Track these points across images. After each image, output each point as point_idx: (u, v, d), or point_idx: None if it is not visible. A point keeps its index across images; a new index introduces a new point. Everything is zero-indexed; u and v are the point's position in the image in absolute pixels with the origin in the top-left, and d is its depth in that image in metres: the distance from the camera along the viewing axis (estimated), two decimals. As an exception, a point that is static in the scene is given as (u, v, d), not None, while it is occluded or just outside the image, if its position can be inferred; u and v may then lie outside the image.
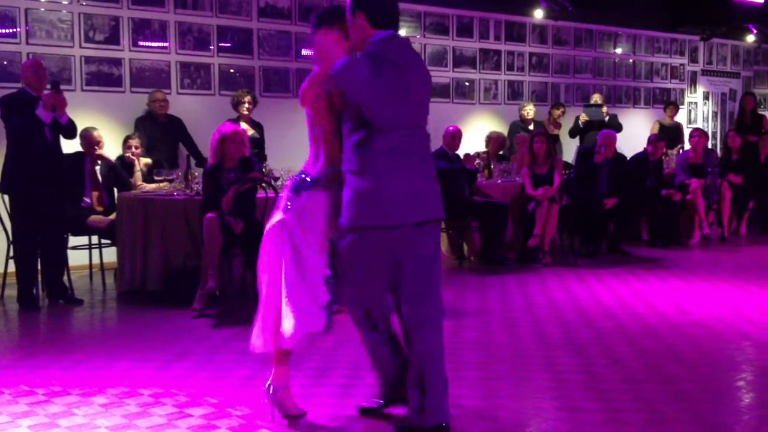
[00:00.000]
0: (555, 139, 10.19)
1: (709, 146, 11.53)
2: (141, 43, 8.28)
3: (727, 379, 4.27)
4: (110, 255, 6.97)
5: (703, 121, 14.32)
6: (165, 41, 8.43)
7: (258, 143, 8.19)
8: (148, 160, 7.58)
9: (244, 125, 7.83)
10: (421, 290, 3.38)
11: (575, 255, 8.32)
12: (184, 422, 3.59)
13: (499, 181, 8.44)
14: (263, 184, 6.11)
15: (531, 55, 11.62)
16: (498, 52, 11.26)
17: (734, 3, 12.33)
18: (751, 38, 14.20)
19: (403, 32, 10.25)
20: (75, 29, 7.88)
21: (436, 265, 3.44)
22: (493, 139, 9.31)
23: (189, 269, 6.13)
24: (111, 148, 7.45)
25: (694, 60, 14.04)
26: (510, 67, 11.40)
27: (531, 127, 10.05)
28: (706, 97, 14.39)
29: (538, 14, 11.26)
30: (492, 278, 7.14)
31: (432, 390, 3.34)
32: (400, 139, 3.31)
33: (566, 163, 9.32)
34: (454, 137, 7.88)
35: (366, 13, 3.33)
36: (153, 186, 7.07)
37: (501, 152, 9.48)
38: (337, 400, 3.87)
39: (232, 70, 8.91)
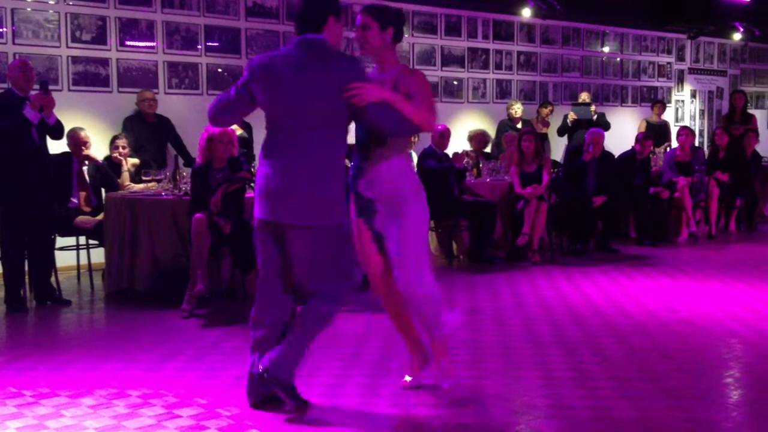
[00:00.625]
0: (543, 138, 10.22)
1: (697, 144, 11.58)
2: (128, 43, 8.24)
3: (715, 377, 4.30)
4: (98, 256, 6.93)
5: (691, 119, 14.38)
6: (152, 41, 8.40)
7: (247, 143, 8.17)
8: (136, 161, 7.55)
9: (232, 125, 7.79)
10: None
11: (564, 253, 8.34)
12: (173, 423, 3.57)
13: (488, 180, 8.45)
14: (252, 184, 6.09)
15: (519, 53, 11.64)
16: (486, 51, 11.27)
17: (721, 1, 12.40)
18: (737, 36, 14.27)
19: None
20: (62, 29, 7.84)
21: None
22: (474, 138, 9.31)
23: (177, 269, 6.11)
24: (98, 149, 7.42)
25: (681, 58, 14.10)
26: (498, 66, 11.42)
27: (519, 125, 10.07)
28: (693, 95, 14.46)
29: (526, 13, 11.28)
30: (481, 277, 7.15)
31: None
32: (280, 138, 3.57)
33: (555, 162, 9.35)
34: (443, 136, 7.89)
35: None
36: (141, 186, 7.04)
37: (487, 150, 9.49)
38: (327, 400, 3.86)
39: (220, 70, 8.89)
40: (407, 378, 4.01)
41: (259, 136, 8.40)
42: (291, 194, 3.51)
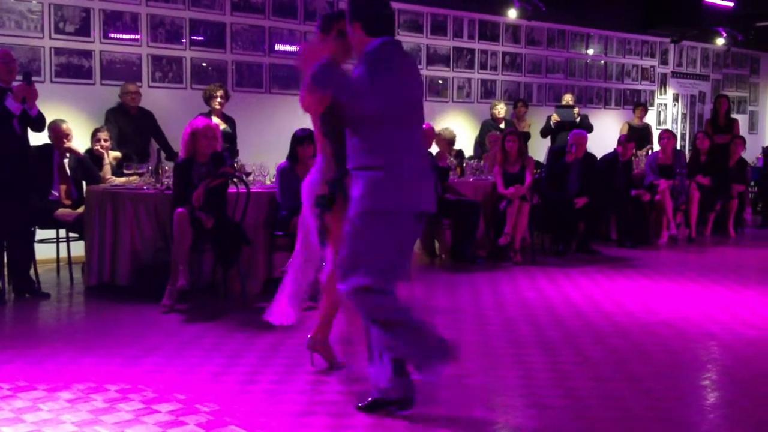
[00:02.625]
0: (527, 137, 10.26)
1: (678, 148, 11.67)
2: (112, 35, 8.19)
3: (693, 379, 4.33)
4: (78, 249, 6.88)
5: (673, 122, 14.49)
6: (136, 33, 8.34)
7: (230, 138, 8.14)
8: (118, 154, 7.50)
9: (216, 120, 7.77)
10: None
11: (545, 254, 8.37)
12: (152, 418, 3.56)
13: (471, 180, 8.47)
14: (235, 180, 6.07)
15: (504, 54, 11.68)
16: (471, 51, 11.29)
17: (704, 6, 12.49)
18: (720, 41, 14.39)
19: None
20: (45, 20, 7.77)
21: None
22: (440, 139, 9.20)
23: (158, 264, 6.08)
24: (80, 141, 7.36)
25: (664, 62, 14.20)
26: (483, 66, 11.44)
27: (502, 125, 10.09)
28: (675, 98, 14.56)
29: (512, 14, 11.31)
30: (463, 276, 7.16)
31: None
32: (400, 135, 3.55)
33: (537, 163, 9.38)
34: (427, 135, 7.89)
35: (363, 23, 3.55)
36: (122, 180, 7.00)
37: (456, 147, 9.40)
38: (307, 396, 3.86)
39: (204, 64, 8.85)
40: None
41: (243, 131, 8.43)
42: (428, 184, 3.65)
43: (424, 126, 3.89)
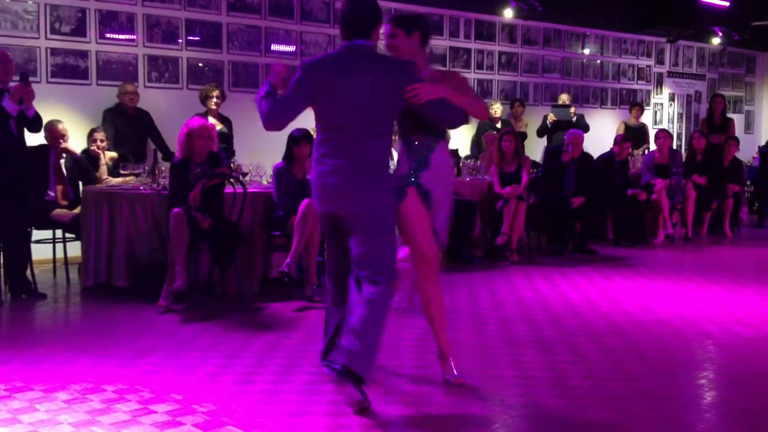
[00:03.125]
0: (524, 137, 10.27)
1: (674, 147, 11.69)
2: (108, 36, 8.18)
3: (690, 378, 4.34)
4: (74, 249, 6.87)
5: (669, 122, 14.50)
6: (132, 34, 8.34)
7: (226, 138, 8.14)
8: (114, 154, 7.49)
9: (212, 120, 7.77)
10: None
11: (542, 253, 8.38)
12: (149, 418, 3.56)
13: (468, 179, 8.47)
14: (231, 180, 6.06)
15: (500, 54, 11.68)
16: (468, 51, 11.30)
17: (700, 6, 12.50)
18: (716, 41, 14.40)
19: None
20: (41, 20, 7.76)
21: None
22: None
23: (155, 264, 6.07)
24: (76, 141, 7.35)
25: (660, 62, 14.21)
26: (480, 66, 11.45)
27: (498, 125, 10.10)
28: (671, 98, 14.57)
29: (508, 14, 11.32)
30: (459, 276, 7.17)
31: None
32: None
33: (534, 162, 9.39)
34: None
35: (339, 28, 3.81)
36: (119, 180, 7.00)
37: (454, 148, 9.45)
38: (304, 396, 3.86)
39: (200, 64, 8.84)
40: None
41: (239, 131, 8.43)
42: (347, 189, 3.71)
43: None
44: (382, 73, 3.72)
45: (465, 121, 3.95)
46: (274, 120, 3.73)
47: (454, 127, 3.96)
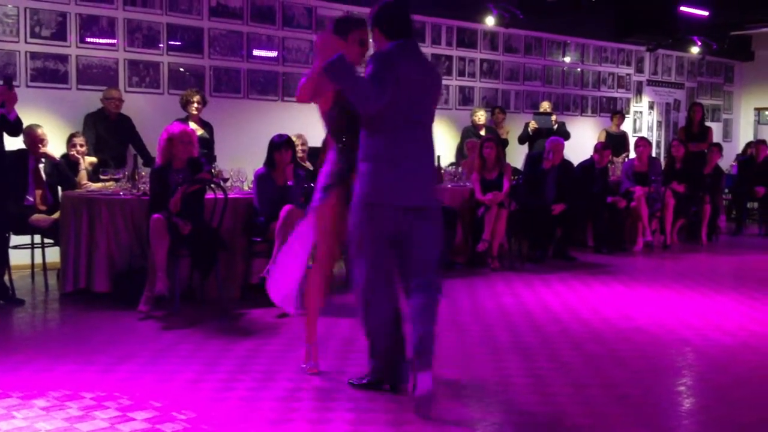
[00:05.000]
0: (505, 144, 10.32)
1: (654, 155, 11.78)
2: (88, 40, 8.14)
3: (669, 384, 4.37)
4: (53, 255, 6.82)
5: (648, 130, 14.62)
6: (113, 38, 8.30)
7: (207, 143, 8.10)
8: (94, 159, 7.44)
9: (193, 125, 7.74)
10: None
11: (523, 260, 8.41)
12: (127, 426, 3.53)
13: (449, 186, 8.49)
14: (212, 185, 6.04)
15: (482, 61, 11.73)
16: (450, 58, 11.34)
17: (680, 15, 12.62)
18: (695, 50, 14.55)
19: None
20: (21, 24, 7.71)
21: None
22: None
23: (135, 270, 6.04)
24: (56, 146, 7.30)
25: (640, 70, 14.33)
26: (461, 73, 11.49)
27: (482, 132, 10.14)
28: (651, 106, 14.70)
29: (490, 21, 11.37)
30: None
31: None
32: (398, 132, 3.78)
33: (515, 169, 9.43)
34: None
35: (380, 28, 3.84)
36: (98, 185, 6.95)
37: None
38: (284, 404, 3.84)
39: (181, 69, 8.81)
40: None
41: (220, 136, 8.40)
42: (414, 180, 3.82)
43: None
44: (435, 72, 4.01)
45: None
46: (379, 99, 3.62)
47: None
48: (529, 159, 9.11)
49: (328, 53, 3.65)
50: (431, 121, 3.94)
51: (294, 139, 6.92)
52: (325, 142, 4.35)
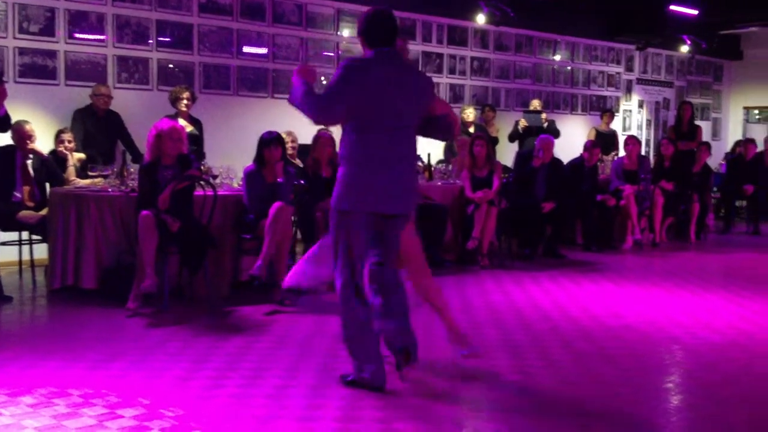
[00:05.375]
0: (495, 142, 10.32)
1: (643, 153, 11.81)
2: (77, 36, 8.09)
3: (658, 382, 4.38)
4: (41, 251, 6.78)
5: (638, 128, 14.66)
6: (102, 34, 8.25)
7: (197, 140, 8.07)
8: (82, 155, 7.40)
9: (182, 122, 7.71)
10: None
11: (513, 258, 8.42)
12: (115, 423, 3.51)
13: (439, 183, 8.49)
14: (201, 182, 6.02)
15: (473, 59, 11.73)
16: (440, 56, 11.33)
17: (669, 14, 12.66)
18: (685, 49, 14.59)
19: (346, 32, 10.24)
20: (9, 19, 7.65)
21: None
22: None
23: (123, 267, 6.01)
24: (44, 142, 7.25)
25: (629, 69, 14.37)
26: (452, 71, 11.48)
27: (471, 130, 10.14)
28: (640, 105, 14.74)
29: (480, 19, 11.37)
30: (430, 280, 7.15)
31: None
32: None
33: (505, 167, 9.44)
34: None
35: (363, 37, 4.02)
36: (86, 181, 6.91)
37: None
38: (273, 401, 3.83)
39: (171, 66, 8.77)
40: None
41: (210, 133, 8.37)
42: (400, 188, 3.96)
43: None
44: (416, 79, 4.05)
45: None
46: (326, 113, 3.91)
47: (445, 138, 4.33)
48: (519, 157, 9.12)
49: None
50: (411, 126, 4.02)
51: (284, 136, 6.90)
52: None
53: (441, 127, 4.20)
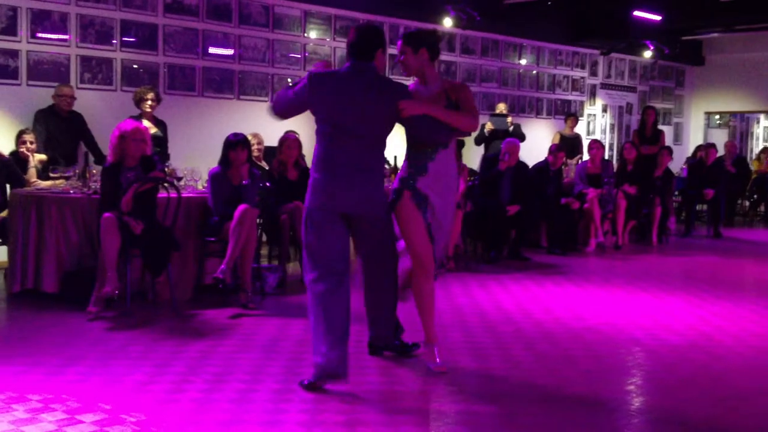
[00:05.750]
0: (462, 145, 10.34)
1: (606, 157, 11.94)
2: (40, 35, 7.98)
3: (619, 384, 4.43)
4: (1, 254, 6.67)
5: (602, 132, 14.82)
6: (65, 34, 8.15)
7: (161, 142, 8.00)
8: (43, 156, 7.30)
9: (146, 123, 7.64)
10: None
11: (478, 260, 8.46)
12: (75, 429, 3.47)
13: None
14: (165, 184, 5.97)
15: (439, 62, 11.76)
16: (406, 59, 11.33)
17: (633, 20, 12.82)
18: (648, 54, 14.79)
19: (313, 34, 10.22)
20: (-32, 17, 7.53)
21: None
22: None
23: (85, 270, 5.94)
24: (4, 143, 7.16)
25: (594, 73, 14.52)
26: (418, 74, 11.49)
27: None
28: (604, 109, 14.90)
29: (447, 23, 11.42)
30: (396, 283, 7.16)
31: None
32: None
33: (471, 170, 9.48)
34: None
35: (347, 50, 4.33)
36: (48, 183, 6.82)
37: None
38: (236, 405, 3.81)
39: (135, 66, 8.69)
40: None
41: (174, 134, 8.31)
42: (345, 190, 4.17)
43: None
44: (379, 93, 4.18)
45: (450, 136, 4.36)
46: (278, 111, 4.32)
47: (437, 141, 4.34)
48: (485, 160, 9.17)
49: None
50: (372, 135, 4.23)
51: (250, 138, 6.87)
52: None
53: (423, 130, 4.32)
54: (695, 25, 14.02)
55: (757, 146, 17.22)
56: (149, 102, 7.94)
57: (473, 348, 4.97)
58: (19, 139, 7.16)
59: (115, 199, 5.70)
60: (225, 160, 6.25)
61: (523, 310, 6.11)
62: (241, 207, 5.91)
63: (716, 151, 11.89)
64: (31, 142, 7.14)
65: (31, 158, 7.08)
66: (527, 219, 8.76)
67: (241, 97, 9.52)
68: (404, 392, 4.09)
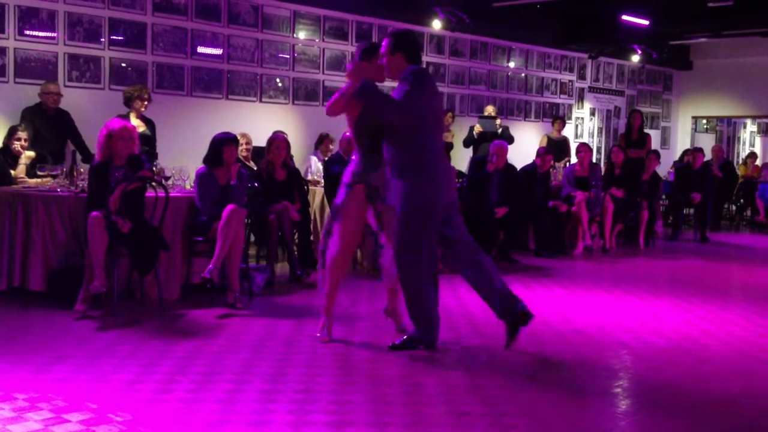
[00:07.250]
0: (450, 147, 10.39)
1: (594, 161, 12.00)
2: (27, 32, 7.94)
3: (606, 386, 4.44)
4: (-14, 252, 6.62)
5: (589, 136, 14.88)
6: (53, 31, 8.11)
7: (149, 141, 7.98)
8: (32, 154, 7.26)
9: (134, 121, 7.62)
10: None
11: (465, 262, 8.45)
12: (62, 428, 3.45)
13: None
14: (153, 183, 5.95)
15: (428, 64, 11.79)
16: (396, 60, 11.34)
17: (621, 24, 12.89)
18: (636, 58, 14.87)
19: (302, 35, 10.23)
20: (-45, 13, 7.49)
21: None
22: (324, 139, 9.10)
23: (72, 268, 5.91)
24: (-9, 140, 7.12)
25: (582, 77, 14.59)
26: (407, 76, 11.50)
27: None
28: (592, 113, 14.97)
29: (436, 25, 11.44)
30: (383, 284, 7.15)
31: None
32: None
33: (459, 172, 9.50)
34: (351, 143, 7.86)
35: (404, 53, 4.74)
36: (35, 181, 6.78)
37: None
38: (224, 405, 3.80)
39: (123, 65, 8.66)
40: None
41: (162, 133, 8.28)
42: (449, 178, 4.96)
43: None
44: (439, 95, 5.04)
45: (392, 115, 4.67)
46: (399, 110, 4.64)
47: (383, 121, 4.71)
48: (473, 162, 9.20)
49: (360, 77, 4.63)
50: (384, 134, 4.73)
51: (238, 137, 6.85)
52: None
53: (368, 111, 4.74)
54: (683, 30, 14.11)
55: (743, 151, 17.37)
56: (144, 102, 7.92)
57: (459, 350, 4.97)
58: (13, 136, 7.13)
59: (103, 198, 5.67)
60: (217, 158, 6.21)
61: (511, 312, 6.11)
62: (229, 207, 5.90)
63: (703, 155, 11.97)
64: (25, 140, 7.12)
65: (22, 155, 7.04)
66: (515, 221, 8.78)
67: (230, 96, 9.50)
68: (392, 393, 4.09)
